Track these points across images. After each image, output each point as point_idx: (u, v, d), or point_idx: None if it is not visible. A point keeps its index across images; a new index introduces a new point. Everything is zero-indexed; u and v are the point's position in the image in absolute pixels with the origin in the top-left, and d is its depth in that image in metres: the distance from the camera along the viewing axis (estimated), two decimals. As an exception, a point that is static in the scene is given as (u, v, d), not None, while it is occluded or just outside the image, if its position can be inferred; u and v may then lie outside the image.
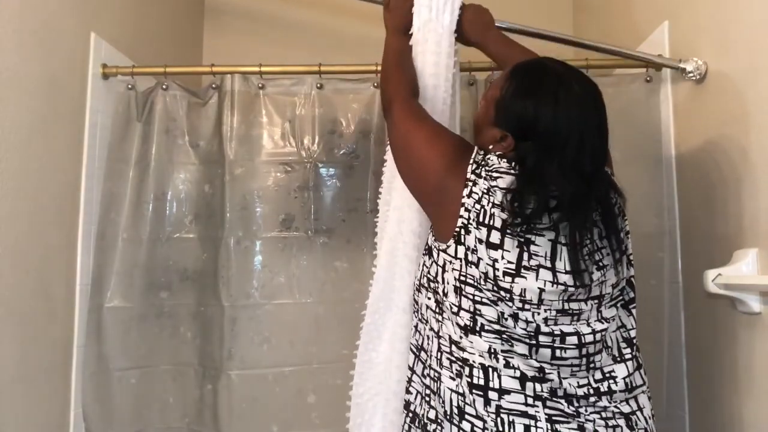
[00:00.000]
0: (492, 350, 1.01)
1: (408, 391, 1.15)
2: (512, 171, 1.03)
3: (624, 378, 1.04)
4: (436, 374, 1.06)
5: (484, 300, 1.02)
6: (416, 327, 1.17)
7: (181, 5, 2.33)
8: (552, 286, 0.99)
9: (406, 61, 1.31)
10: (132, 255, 1.60)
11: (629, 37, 1.75)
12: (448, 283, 1.06)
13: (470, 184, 1.04)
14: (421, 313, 1.14)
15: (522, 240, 1.00)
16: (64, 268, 1.49)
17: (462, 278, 1.03)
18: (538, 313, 1.01)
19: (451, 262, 1.05)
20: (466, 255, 1.03)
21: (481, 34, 1.37)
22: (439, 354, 1.07)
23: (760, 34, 1.18)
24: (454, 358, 1.04)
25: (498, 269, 1.00)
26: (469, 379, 1.01)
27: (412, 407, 1.13)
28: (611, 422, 1.00)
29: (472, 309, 1.03)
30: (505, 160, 1.05)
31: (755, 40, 1.20)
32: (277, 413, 1.58)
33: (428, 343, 1.10)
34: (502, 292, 1.00)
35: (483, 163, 1.06)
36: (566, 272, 1.00)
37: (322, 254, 1.63)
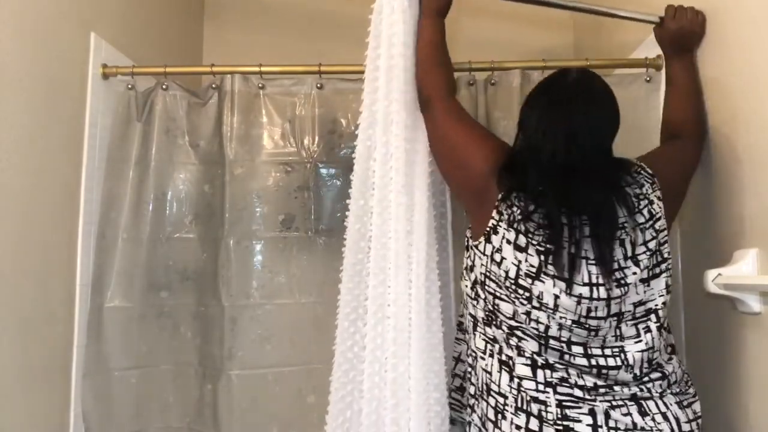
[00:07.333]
0: (506, 340, 1.06)
1: (459, 370, 1.26)
2: None
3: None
4: (473, 354, 1.13)
5: (503, 296, 1.07)
6: (461, 313, 1.24)
7: (181, 5, 2.33)
8: (567, 297, 1.02)
9: (443, 53, 1.27)
10: (132, 255, 1.60)
11: (629, 36, 1.75)
12: (476, 277, 1.13)
13: (506, 189, 1.10)
14: (463, 299, 1.20)
15: (543, 249, 1.04)
16: (64, 268, 1.49)
17: (487, 273, 1.09)
18: (553, 318, 1.03)
19: (480, 257, 1.11)
20: (492, 254, 1.08)
21: None
22: (475, 336, 1.13)
23: (758, 33, 1.17)
24: (487, 338, 1.10)
25: (521, 270, 1.05)
26: (499, 356, 1.07)
27: (463, 385, 1.23)
28: (623, 410, 1.02)
29: (491, 303, 1.09)
30: None
31: (753, 39, 1.19)
32: (277, 413, 1.58)
33: (469, 326, 1.17)
34: (519, 291, 1.05)
35: None
36: (583, 284, 1.03)
37: (322, 254, 1.63)
